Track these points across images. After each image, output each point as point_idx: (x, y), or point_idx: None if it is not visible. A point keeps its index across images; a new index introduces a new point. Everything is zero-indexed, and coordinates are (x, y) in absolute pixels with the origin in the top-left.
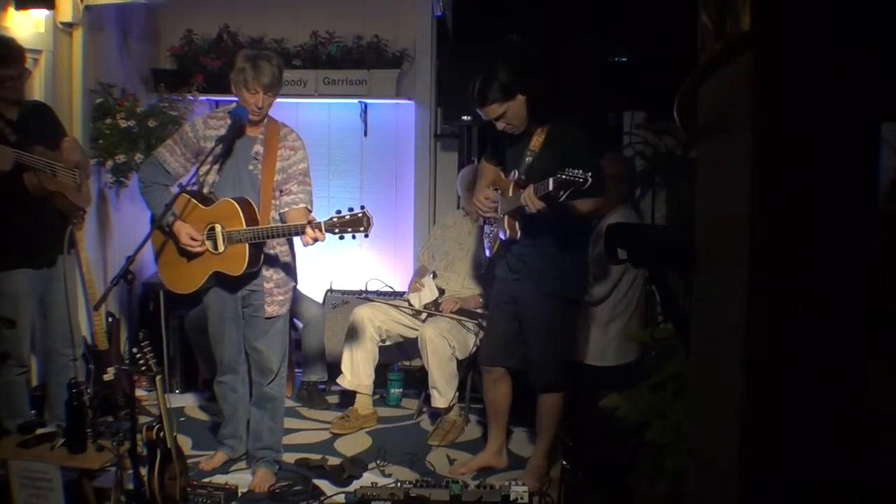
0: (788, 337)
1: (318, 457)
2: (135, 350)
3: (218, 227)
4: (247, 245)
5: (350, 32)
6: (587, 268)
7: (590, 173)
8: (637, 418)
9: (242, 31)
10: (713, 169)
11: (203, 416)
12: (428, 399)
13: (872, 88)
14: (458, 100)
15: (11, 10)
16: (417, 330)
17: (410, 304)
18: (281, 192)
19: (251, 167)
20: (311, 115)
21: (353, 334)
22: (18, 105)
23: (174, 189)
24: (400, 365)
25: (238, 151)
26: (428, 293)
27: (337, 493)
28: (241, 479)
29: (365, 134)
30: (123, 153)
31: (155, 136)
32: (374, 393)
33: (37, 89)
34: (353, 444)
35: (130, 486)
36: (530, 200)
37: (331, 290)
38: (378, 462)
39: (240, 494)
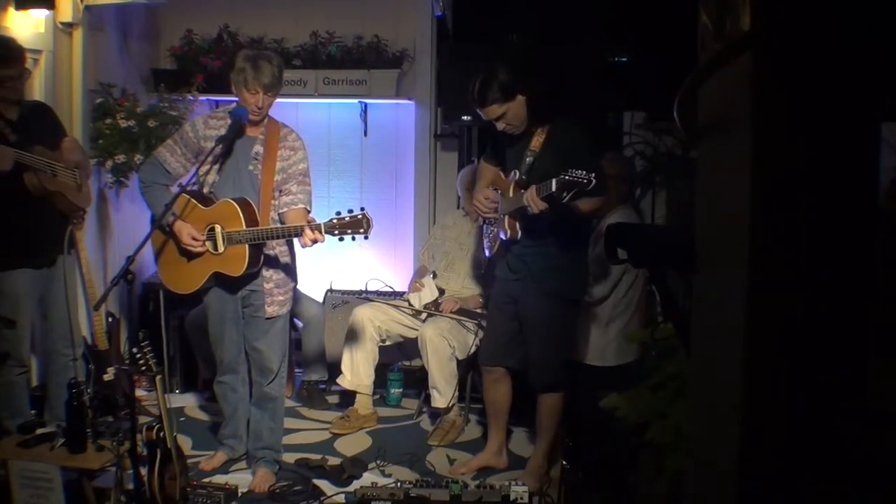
0: (788, 337)
1: (318, 457)
2: (135, 350)
3: (218, 228)
4: (247, 246)
5: (350, 32)
6: (587, 268)
7: (593, 174)
8: (637, 418)
9: (242, 31)
10: (713, 169)
11: (203, 416)
12: (428, 399)
13: (872, 88)
14: (458, 100)
15: (11, 10)
16: (417, 330)
17: (410, 304)
18: (280, 192)
19: (251, 167)
20: (311, 115)
21: (353, 334)
22: (18, 105)
23: (174, 189)
24: (400, 365)
25: (238, 151)
26: (428, 293)
27: (337, 493)
28: (241, 479)
29: (365, 134)
30: (123, 153)
31: (155, 136)
32: (374, 393)
33: (37, 89)
34: (353, 444)
35: (130, 486)
36: (533, 201)
37: (331, 290)
38: (378, 462)
39: (240, 494)
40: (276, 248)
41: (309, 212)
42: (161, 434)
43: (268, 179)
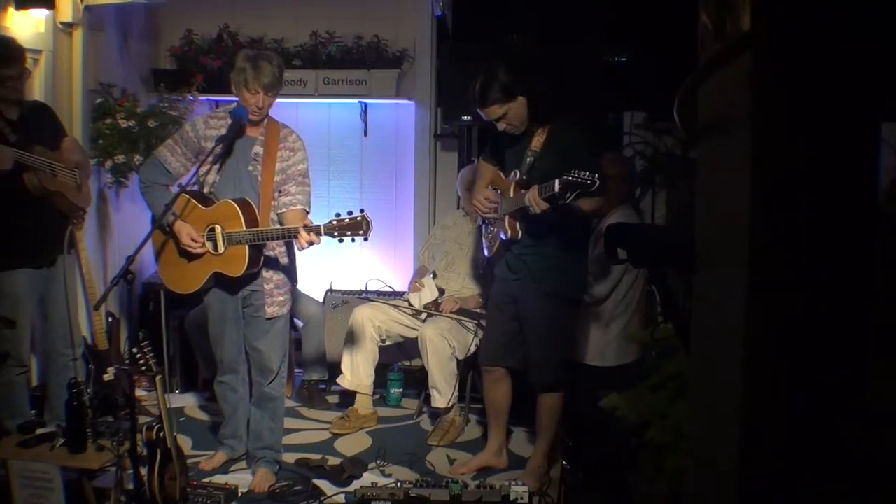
0: (788, 337)
1: (318, 457)
2: (135, 350)
3: (218, 228)
4: (247, 246)
5: (350, 32)
6: (587, 268)
7: (597, 175)
8: (637, 418)
9: (242, 31)
10: (713, 169)
11: (203, 416)
12: (428, 399)
13: (872, 88)
14: (458, 100)
15: (11, 10)
16: (417, 330)
17: (410, 304)
18: (280, 192)
19: (251, 168)
20: (311, 115)
21: (352, 334)
22: (18, 105)
23: (174, 189)
24: (400, 365)
25: (238, 152)
26: (428, 293)
27: (337, 493)
28: (241, 479)
29: (365, 134)
30: (123, 153)
31: (155, 136)
32: (374, 393)
33: (37, 89)
34: (353, 444)
35: (130, 486)
36: (534, 201)
37: (331, 290)
38: (378, 462)
39: (240, 494)
40: (276, 249)
41: (308, 212)
42: (161, 434)
43: (267, 180)
